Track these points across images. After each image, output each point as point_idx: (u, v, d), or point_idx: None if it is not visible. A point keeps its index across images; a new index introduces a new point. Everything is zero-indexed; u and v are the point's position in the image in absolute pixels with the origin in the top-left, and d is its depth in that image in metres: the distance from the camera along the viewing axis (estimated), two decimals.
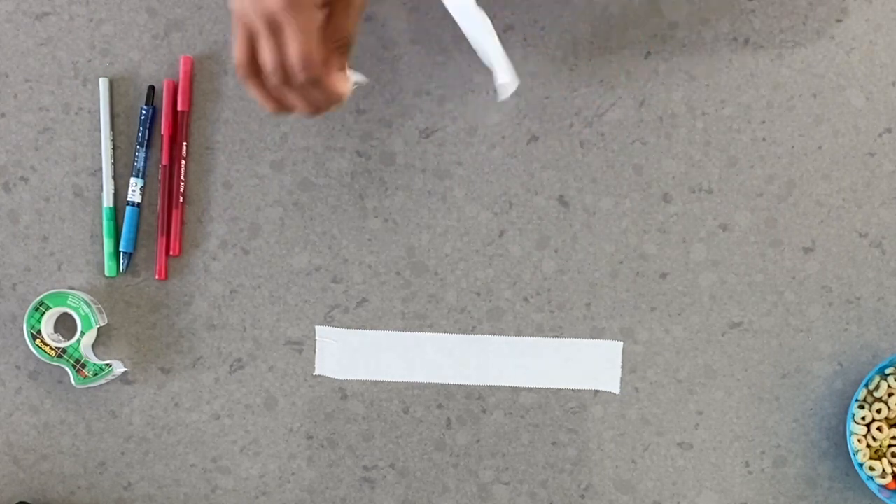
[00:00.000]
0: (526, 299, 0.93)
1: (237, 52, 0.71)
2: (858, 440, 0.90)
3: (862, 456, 0.90)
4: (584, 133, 0.93)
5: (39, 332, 0.90)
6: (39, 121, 0.93)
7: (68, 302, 0.90)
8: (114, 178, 0.93)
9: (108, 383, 0.93)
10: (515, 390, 0.93)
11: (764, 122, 0.93)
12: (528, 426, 0.93)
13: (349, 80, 0.74)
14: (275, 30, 0.68)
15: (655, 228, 0.93)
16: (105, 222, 0.92)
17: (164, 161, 0.93)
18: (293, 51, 0.68)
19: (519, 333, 0.93)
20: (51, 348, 0.90)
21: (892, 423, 0.91)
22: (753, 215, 0.93)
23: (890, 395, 0.91)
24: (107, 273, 0.92)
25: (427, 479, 0.93)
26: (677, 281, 0.93)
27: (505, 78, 0.83)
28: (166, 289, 0.93)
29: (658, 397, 0.93)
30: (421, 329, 0.93)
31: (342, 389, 0.93)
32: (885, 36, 0.93)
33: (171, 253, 0.93)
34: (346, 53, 0.74)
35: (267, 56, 0.69)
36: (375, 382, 0.93)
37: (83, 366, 0.90)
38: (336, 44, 0.72)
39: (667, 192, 0.93)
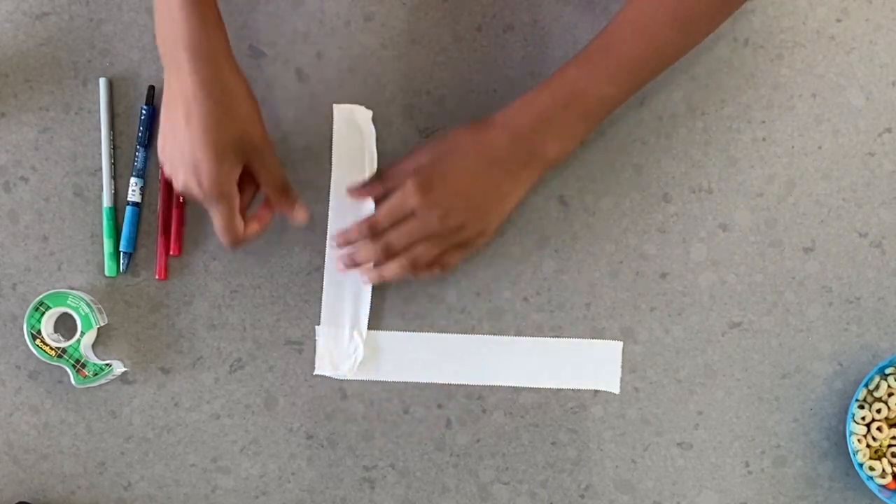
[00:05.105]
0: (526, 299, 0.93)
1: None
2: (858, 440, 0.90)
3: (862, 456, 0.90)
4: None
5: (39, 332, 0.90)
6: (39, 121, 0.93)
7: (68, 302, 0.90)
8: (114, 178, 0.93)
9: (108, 383, 0.93)
10: (515, 390, 0.93)
11: (764, 122, 0.93)
12: (528, 426, 0.93)
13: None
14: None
15: (655, 228, 0.93)
16: (105, 222, 0.92)
17: None
18: (217, 225, 0.85)
19: (519, 333, 0.93)
20: (51, 348, 0.90)
21: (892, 423, 0.91)
22: (753, 215, 0.93)
23: (890, 395, 0.91)
24: (107, 273, 0.92)
25: (427, 479, 0.93)
26: (677, 281, 0.93)
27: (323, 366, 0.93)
28: (166, 289, 0.93)
29: (658, 397, 0.93)
30: (421, 329, 0.93)
31: (342, 389, 0.93)
32: (885, 36, 0.93)
33: (171, 253, 0.93)
34: (287, 192, 0.87)
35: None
36: (375, 382, 0.93)
37: (83, 366, 0.90)
38: (272, 188, 0.86)
39: (667, 192, 0.93)
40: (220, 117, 0.80)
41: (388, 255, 0.88)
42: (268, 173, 0.85)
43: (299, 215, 0.88)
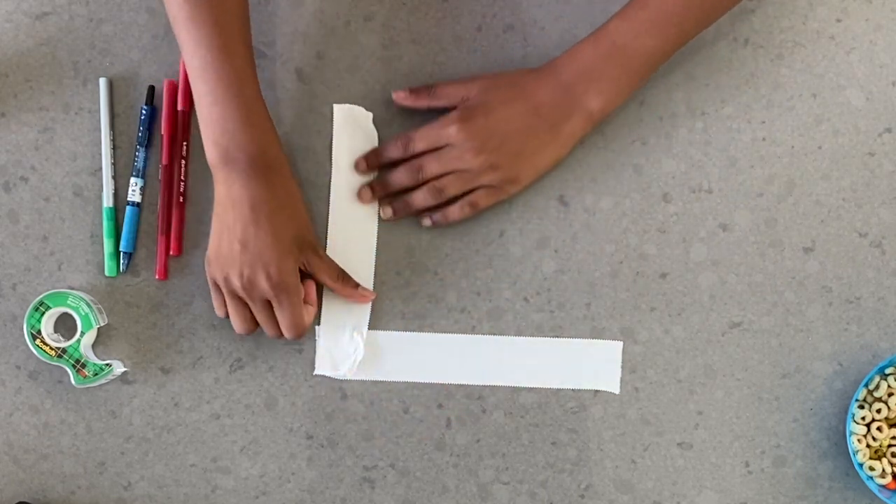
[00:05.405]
0: (526, 299, 0.93)
1: (238, 324, 0.89)
2: (858, 440, 0.90)
3: (862, 456, 0.90)
4: None
5: (39, 332, 0.90)
6: (39, 121, 0.93)
7: (68, 302, 0.90)
8: (114, 178, 0.93)
9: (108, 383, 0.93)
10: (515, 390, 0.93)
11: (764, 122, 0.93)
12: (528, 426, 0.93)
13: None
14: (269, 305, 0.87)
15: (655, 228, 0.93)
16: (105, 222, 0.92)
17: (165, 161, 0.93)
18: (284, 320, 0.87)
19: (519, 333, 0.93)
20: (51, 348, 0.90)
21: (892, 423, 0.91)
22: (753, 215, 0.93)
23: (890, 395, 0.91)
24: (107, 273, 0.92)
25: (427, 479, 0.93)
26: (677, 281, 0.93)
27: (324, 366, 0.93)
28: (166, 289, 0.93)
29: (658, 397, 0.93)
30: (421, 329, 0.93)
31: (342, 389, 0.93)
32: (885, 36, 0.93)
33: (171, 253, 0.93)
34: (347, 279, 0.90)
35: (266, 328, 0.89)
36: (375, 382, 0.93)
37: (83, 366, 0.90)
38: (331, 279, 0.89)
39: (667, 192, 0.93)
40: (284, 217, 0.85)
41: (418, 178, 0.89)
42: (325, 265, 0.89)
43: (365, 298, 0.91)
